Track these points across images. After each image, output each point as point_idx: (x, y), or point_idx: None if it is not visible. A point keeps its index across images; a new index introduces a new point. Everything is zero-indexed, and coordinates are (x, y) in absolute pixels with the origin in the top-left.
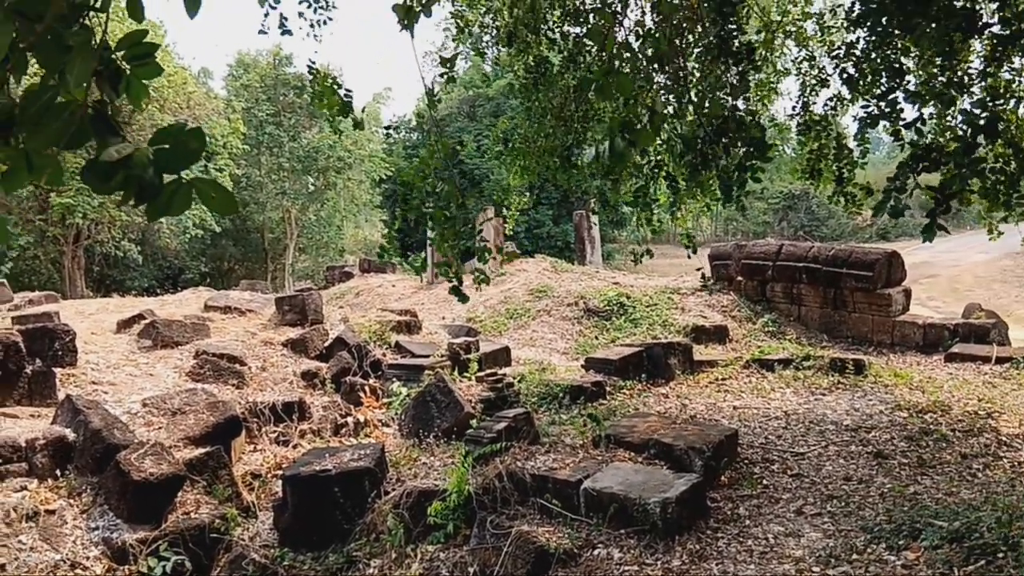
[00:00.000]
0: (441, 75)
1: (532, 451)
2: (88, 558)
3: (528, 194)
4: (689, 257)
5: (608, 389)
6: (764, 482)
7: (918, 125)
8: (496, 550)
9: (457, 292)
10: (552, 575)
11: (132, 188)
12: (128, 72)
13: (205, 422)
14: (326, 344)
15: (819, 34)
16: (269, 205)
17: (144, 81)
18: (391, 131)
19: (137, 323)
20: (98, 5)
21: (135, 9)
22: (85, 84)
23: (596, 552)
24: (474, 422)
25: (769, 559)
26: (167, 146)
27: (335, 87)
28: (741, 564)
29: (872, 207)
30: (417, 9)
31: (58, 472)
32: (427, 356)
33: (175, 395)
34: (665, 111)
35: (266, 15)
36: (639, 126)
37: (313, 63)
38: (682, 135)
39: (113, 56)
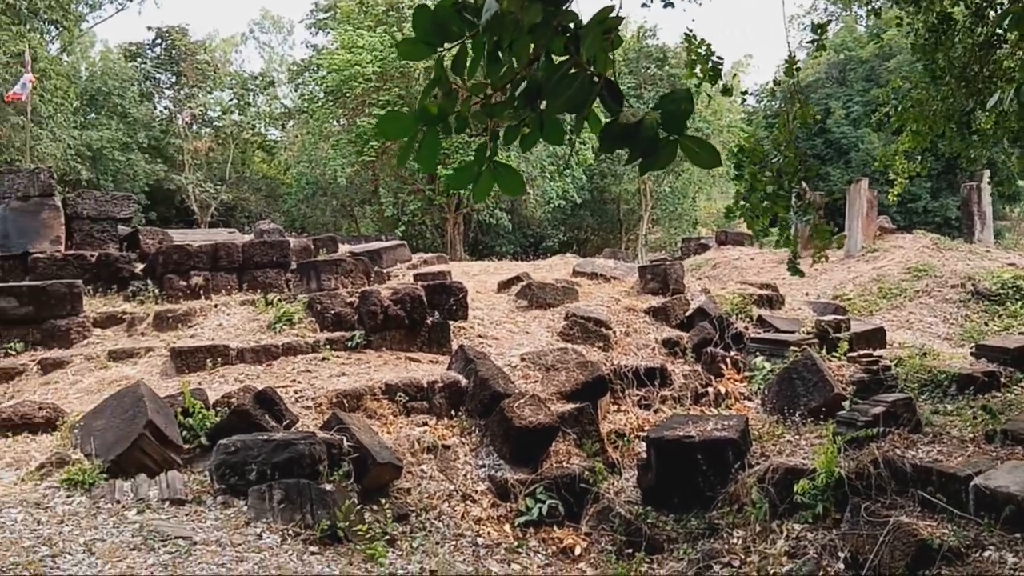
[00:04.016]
0: (811, 41)
1: (913, 440)
2: (476, 492)
3: (919, 160)
4: None
5: (1003, 380)
6: None
7: None
8: (871, 538)
9: (793, 268)
10: (935, 572)
11: (638, 147)
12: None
13: (575, 380)
14: (687, 314)
15: None
16: (626, 177)
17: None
18: (745, 97)
19: (515, 284)
20: None
21: None
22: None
23: (986, 554)
24: (845, 404)
25: None
26: (668, 109)
27: (708, 54)
28: None
29: None
30: None
31: (452, 412)
32: (792, 332)
33: (548, 352)
34: None
35: None
36: None
37: (690, 30)
38: None
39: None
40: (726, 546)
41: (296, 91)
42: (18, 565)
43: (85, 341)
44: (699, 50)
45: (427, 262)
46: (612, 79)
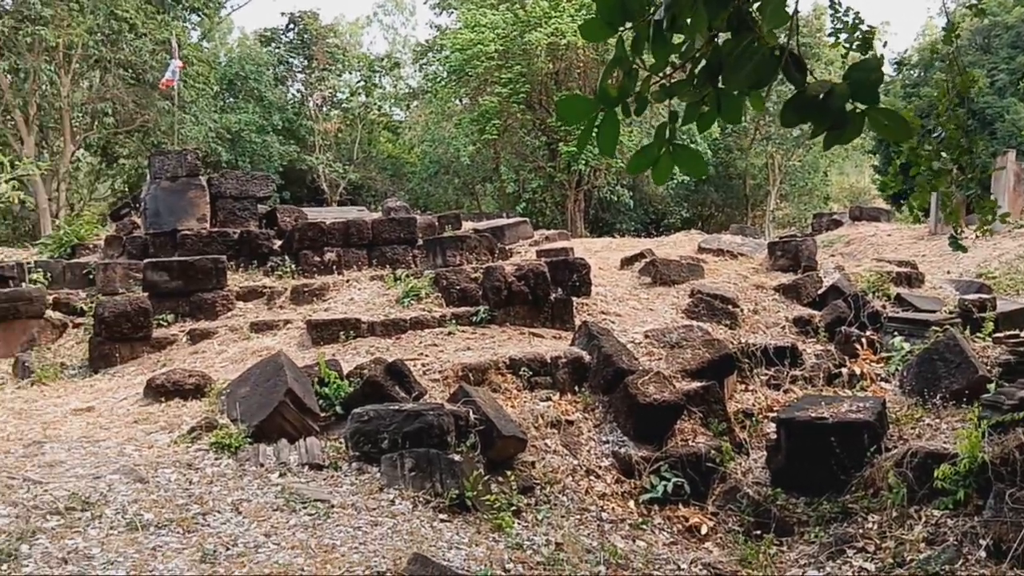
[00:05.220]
0: (969, 6)
1: None
2: (600, 467)
3: None
4: None
5: None
6: None
7: None
8: (1015, 526)
9: (955, 243)
10: None
11: (825, 119)
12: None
13: (701, 358)
14: (819, 292)
15: None
16: (752, 151)
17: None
18: (903, 65)
19: (638, 261)
20: None
21: None
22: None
23: None
24: (990, 387)
25: None
26: (858, 78)
27: (857, 22)
28: None
29: None
30: None
31: (575, 388)
32: (932, 311)
33: (673, 330)
34: None
35: None
36: None
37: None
38: None
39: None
40: (860, 530)
41: (420, 71)
42: (172, 522)
43: (229, 313)
44: (845, 18)
45: (549, 239)
46: (796, 51)
